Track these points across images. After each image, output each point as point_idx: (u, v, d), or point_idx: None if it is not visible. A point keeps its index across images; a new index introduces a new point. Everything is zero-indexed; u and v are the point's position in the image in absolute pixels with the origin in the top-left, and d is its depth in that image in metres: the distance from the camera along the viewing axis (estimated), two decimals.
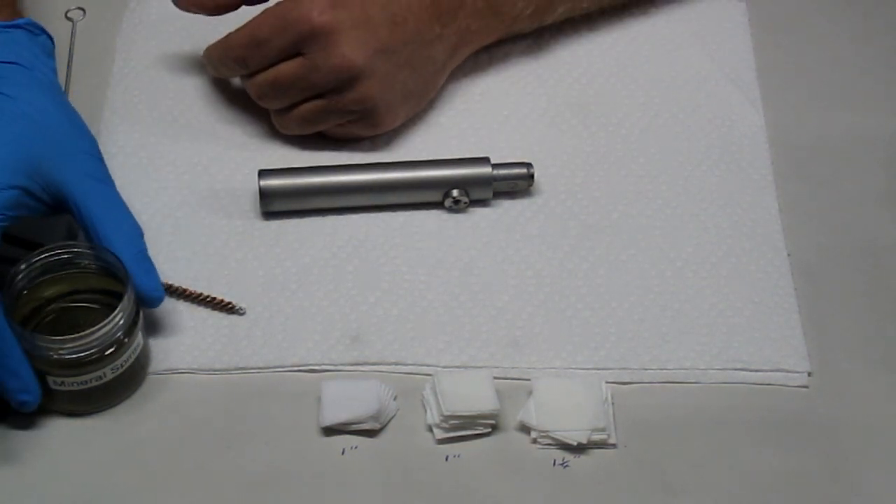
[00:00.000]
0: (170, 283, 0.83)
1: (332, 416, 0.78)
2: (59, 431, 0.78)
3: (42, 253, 0.78)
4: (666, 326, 0.83)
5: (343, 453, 0.78)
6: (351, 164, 0.88)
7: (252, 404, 0.80)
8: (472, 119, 0.93)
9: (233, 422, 0.79)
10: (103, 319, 0.75)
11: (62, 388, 0.77)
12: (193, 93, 0.94)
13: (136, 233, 0.80)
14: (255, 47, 0.87)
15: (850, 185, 0.90)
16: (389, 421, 0.79)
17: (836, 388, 0.81)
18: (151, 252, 0.82)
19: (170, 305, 0.83)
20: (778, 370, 0.81)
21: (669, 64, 0.96)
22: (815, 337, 0.83)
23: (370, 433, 0.78)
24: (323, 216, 0.88)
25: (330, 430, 0.78)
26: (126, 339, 0.77)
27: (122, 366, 0.77)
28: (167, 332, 0.82)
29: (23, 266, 0.77)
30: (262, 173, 0.87)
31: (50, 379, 0.76)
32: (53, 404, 0.78)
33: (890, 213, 0.89)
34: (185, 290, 0.83)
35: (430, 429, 0.79)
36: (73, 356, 0.75)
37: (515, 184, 0.88)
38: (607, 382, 0.80)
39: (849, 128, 0.93)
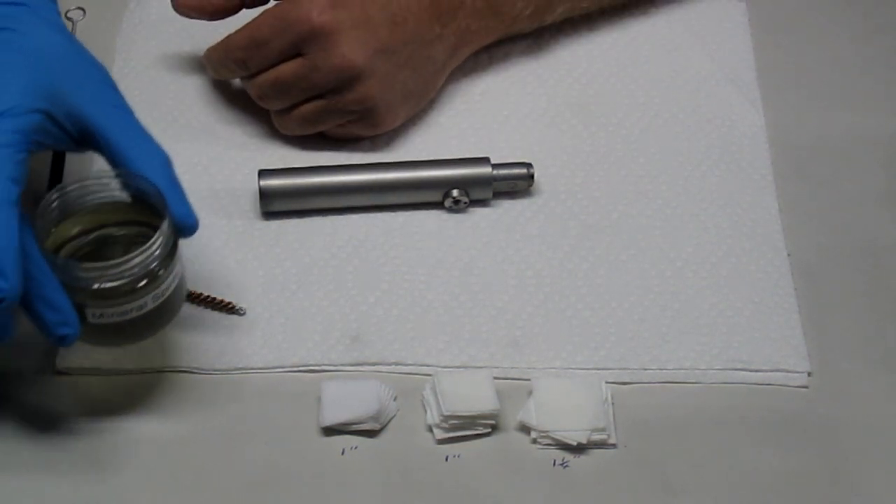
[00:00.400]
0: None
1: (332, 416, 0.78)
2: (57, 428, 0.78)
3: (74, 183, 0.75)
4: (666, 326, 0.83)
5: (343, 453, 0.78)
6: (351, 164, 0.89)
7: (252, 404, 0.80)
8: (472, 119, 0.93)
9: (233, 422, 0.79)
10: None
11: (101, 320, 0.73)
12: (193, 93, 0.94)
13: (164, 159, 0.76)
14: (256, 48, 0.87)
15: (850, 185, 0.90)
16: (389, 421, 0.79)
17: (836, 388, 0.81)
18: None
19: None
20: (778, 370, 0.81)
21: (669, 64, 0.96)
22: (815, 337, 0.83)
23: (370, 433, 0.78)
24: (323, 216, 0.88)
25: (330, 430, 0.78)
26: (167, 266, 0.74)
27: (163, 294, 0.74)
28: (167, 332, 0.82)
29: (54, 196, 0.74)
30: (262, 173, 0.87)
31: (88, 311, 0.73)
32: (91, 338, 0.75)
33: (890, 213, 0.89)
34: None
35: (430, 429, 0.79)
36: (114, 284, 0.72)
37: (515, 184, 0.88)
38: (607, 382, 0.80)
39: (849, 128, 0.93)
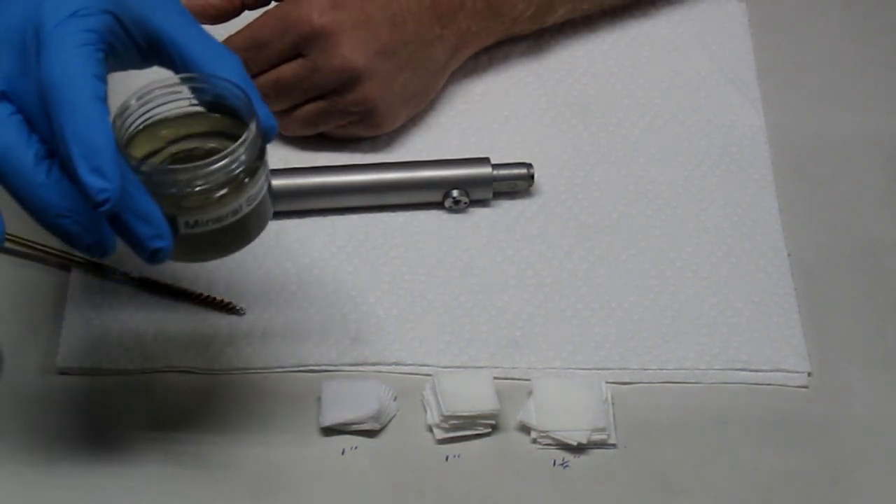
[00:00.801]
0: (169, 283, 0.84)
1: (332, 416, 0.78)
2: (57, 428, 0.78)
3: (153, 86, 0.70)
4: (666, 326, 0.83)
5: (343, 453, 0.78)
6: (351, 165, 0.89)
7: (252, 404, 0.80)
8: (472, 119, 0.93)
9: (233, 422, 0.79)
10: None
11: (195, 230, 0.68)
12: None
13: (239, 62, 0.71)
14: (256, 50, 0.87)
15: (850, 185, 0.90)
16: (389, 421, 0.79)
17: (836, 388, 0.81)
18: None
19: (170, 305, 0.83)
20: (778, 370, 0.81)
21: (669, 64, 0.96)
22: (815, 337, 0.83)
23: (370, 433, 0.78)
24: (323, 216, 0.88)
25: (330, 430, 0.78)
26: (260, 166, 0.69)
27: (256, 197, 0.69)
28: (166, 332, 0.82)
29: (133, 102, 0.69)
30: None
31: (181, 221, 0.68)
32: (182, 253, 0.69)
33: (890, 213, 0.89)
34: (185, 290, 0.83)
35: (430, 429, 0.79)
36: (209, 187, 0.67)
37: (515, 184, 0.88)
38: (607, 382, 0.80)
39: (849, 128, 0.93)
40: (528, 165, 0.88)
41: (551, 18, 0.95)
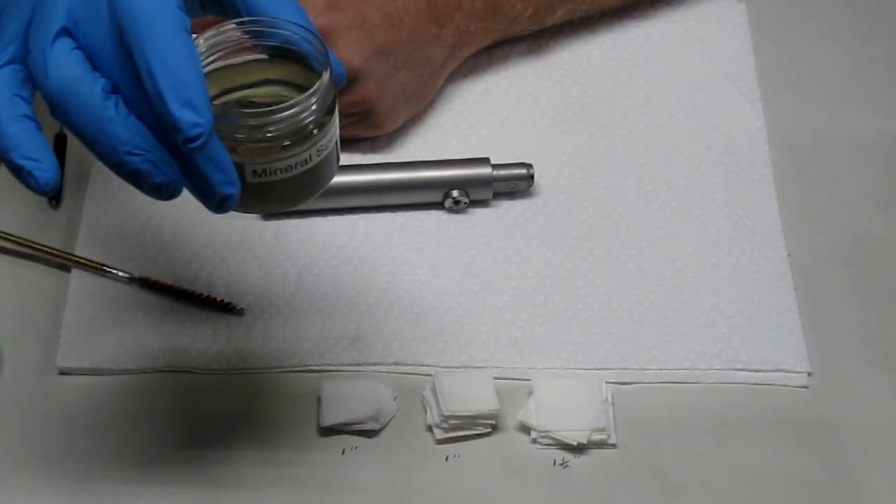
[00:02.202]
0: (169, 283, 0.84)
1: (332, 416, 0.78)
2: (57, 428, 0.78)
3: (222, 28, 0.66)
4: (666, 326, 0.83)
5: (343, 453, 0.78)
6: (350, 165, 0.89)
7: (252, 404, 0.80)
8: (472, 119, 0.93)
9: (233, 422, 0.79)
10: None
11: (262, 179, 0.64)
12: None
13: (304, 12, 0.67)
14: None
15: (850, 185, 0.90)
16: (389, 421, 0.79)
17: (836, 388, 0.81)
18: (151, 250, 0.82)
19: (170, 305, 0.83)
20: (778, 370, 0.81)
21: (669, 64, 0.96)
22: (815, 337, 0.83)
23: (370, 433, 0.78)
24: (323, 216, 0.88)
25: (330, 430, 0.78)
26: (331, 115, 0.65)
27: (326, 146, 0.66)
28: (167, 332, 0.82)
29: (201, 41, 0.65)
30: None
31: (248, 169, 0.64)
32: (248, 203, 0.66)
33: (890, 213, 0.89)
34: (185, 290, 0.83)
35: (430, 429, 0.79)
36: (281, 133, 0.63)
37: (515, 184, 0.88)
38: (607, 382, 0.80)
39: (849, 128, 0.93)
40: (528, 165, 0.88)
41: (550, 19, 0.95)
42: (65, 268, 0.85)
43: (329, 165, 0.67)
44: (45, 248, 0.85)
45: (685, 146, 0.92)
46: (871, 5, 1.01)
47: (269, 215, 0.87)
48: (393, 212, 0.88)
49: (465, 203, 0.88)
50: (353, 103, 0.87)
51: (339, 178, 0.87)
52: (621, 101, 0.94)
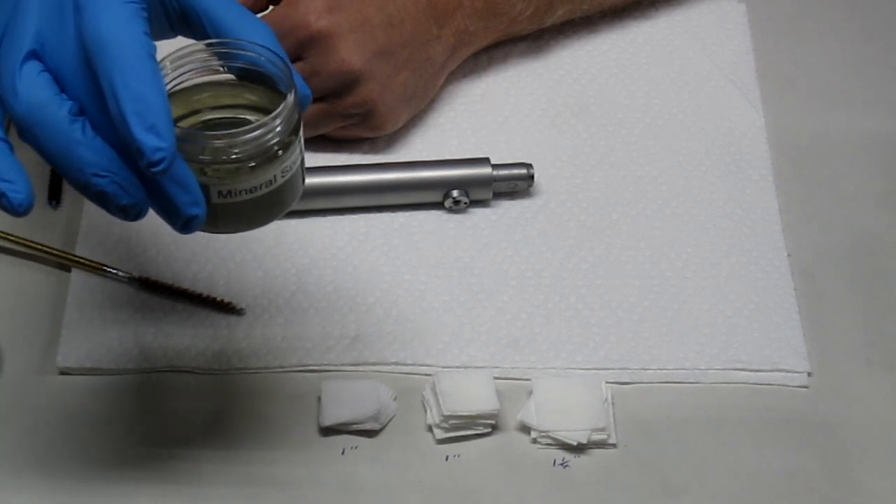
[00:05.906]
0: (169, 283, 0.84)
1: (332, 416, 0.78)
2: (57, 428, 0.78)
3: (188, 49, 0.67)
4: (666, 326, 0.83)
5: (343, 453, 0.78)
6: (351, 165, 0.89)
7: (252, 404, 0.80)
8: (472, 119, 0.93)
9: (233, 422, 0.79)
10: None
11: (227, 200, 0.66)
12: None
13: (272, 34, 0.68)
14: None
15: (850, 185, 0.90)
16: (389, 421, 0.79)
17: (836, 388, 0.81)
18: (151, 250, 0.82)
19: (170, 305, 0.83)
20: (778, 370, 0.81)
21: (669, 64, 0.96)
22: (815, 337, 0.83)
23: (370, 433, 0.78)
24: (323, 216, 0.88)
25: (330, 430, 0.78)
26: (296, 135, 0.66)
27: (290, 167, 0.67)
28: (166, 332, 0.82)
29: (167, 64, 0.66)
30: None
31: (213, 191, 0.65)
32: (213, 224, 0.67)
33: (889, 213, 0.89)
34: (185, 290, 0.83)
35: (430, 429, 0.79)
36: (245, 156, 0.64)
37: (515, 184, 0.88)
38: (607, 382, 0.80)
39: (848, 128, 0.93)
40: (528, 165, 0.88)
41: (550, 19, 0.95)
42: (65, 268, 0.85)
43: (294, 186, 0.68)
44: (45, 248, 0.85)
45: (685, 146, 0.92)
46: (871, 5, 1.01)
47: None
48: (393, 212, 0.88)
49: (465, 203, 0.88)
50: (355, 104, 0.87)
51: (340, 178, 0.88)
52: (621, 101, 0.94)
